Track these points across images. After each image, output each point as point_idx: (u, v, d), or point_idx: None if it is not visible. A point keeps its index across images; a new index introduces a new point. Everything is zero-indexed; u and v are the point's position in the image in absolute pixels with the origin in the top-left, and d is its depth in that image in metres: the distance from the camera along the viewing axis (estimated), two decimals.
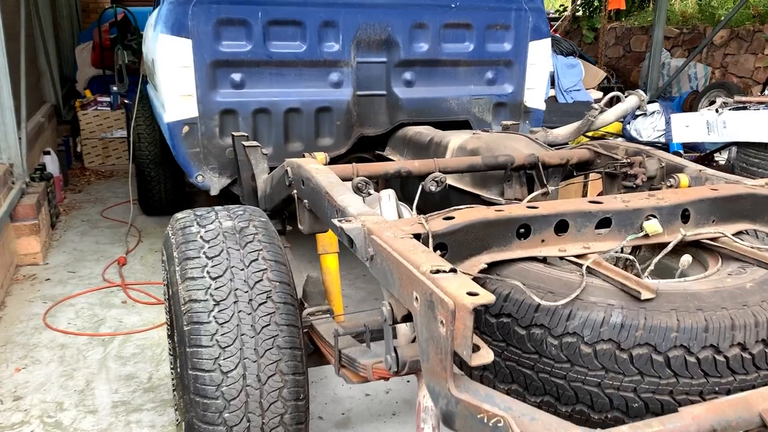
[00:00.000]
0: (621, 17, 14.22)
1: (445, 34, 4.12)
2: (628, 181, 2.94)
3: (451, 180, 3.44)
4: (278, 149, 3.90)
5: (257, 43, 3.76)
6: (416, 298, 1.54)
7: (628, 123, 5.99)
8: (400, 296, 1.65)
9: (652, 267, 2.05)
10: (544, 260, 2.01)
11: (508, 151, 3.27)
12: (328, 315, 2.64)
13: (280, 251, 2.39)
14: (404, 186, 3.81)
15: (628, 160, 2.93)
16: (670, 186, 2.69)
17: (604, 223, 2.06)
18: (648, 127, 5.89)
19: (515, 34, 4.25)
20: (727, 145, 5.37)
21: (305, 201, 2.56)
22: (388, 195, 2.58)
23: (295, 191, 2.70)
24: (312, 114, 3.94)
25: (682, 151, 5.33)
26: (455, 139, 3.54)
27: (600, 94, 8.50)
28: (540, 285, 1.82)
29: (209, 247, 2.30)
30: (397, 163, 2.98)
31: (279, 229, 3.37)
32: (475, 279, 1.75)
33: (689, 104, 9.51)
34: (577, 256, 1.97)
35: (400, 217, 2.72)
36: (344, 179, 2.80)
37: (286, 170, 2.76)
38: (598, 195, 3.60)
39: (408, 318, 1.74)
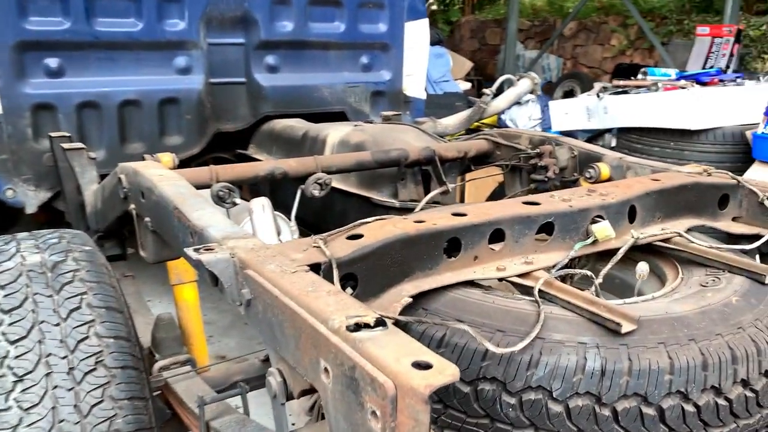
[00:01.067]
0: (475, 11, 14.40)
1: (312, 12, 3.56)
2: (538, 174, 2.56)
3: (334, 181, 2.90)
4: (113, 152, 3.14)
5: (78, 19, 2.98)
6: (325, 369, 1.00)
7: (504, 112, 5.80)
8: (298, 363, 1.09)
9: (600, 280, 1.63)
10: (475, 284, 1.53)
11: (398, 145, 2.78)
12: (188, 367, 2.00)
13: (113, 292, 1.73)
14: (275, 191, 3.22)
15: (537, 150, 2.54)
16: (591, 178, 2.33)
17: (545, 228, 1.62)
18: (523, 116, 5.72)
19: (390, 13, 3.78)
20: (604, 132, 5.28)
21: (147, 219, 1.91)
22: (262, 205, 2.00)
23: (132, 206, 2.03)
24: (154, 107, 3.22)
25: None
26: (335, 132, 3.00)
27: (468, 84, 8.34)
28: (484, 321, 1.34)
29: (4, 296, 1.59)
30: (268, 163, 2.39)
31: (117, 254, 2.66)
32: (396, 322, 1.23)
33: (545, 94, 9.65)
34: (521, 275, 1.51)
35: (279, 233, 2.14)
36: (200, 187, 2.17)
37: (119, 178, 2.08)
38: (497, 192, 3.24)
39: (309, 391, 1.19)
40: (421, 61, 4.01)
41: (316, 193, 2.35)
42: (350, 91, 3.79)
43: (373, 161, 2.57)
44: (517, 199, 1.68)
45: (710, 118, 3.97)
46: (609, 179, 2.34)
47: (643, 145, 4.26)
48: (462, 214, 1.54)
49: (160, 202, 1.75)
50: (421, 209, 2.67)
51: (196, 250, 1.34)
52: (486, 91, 3.21)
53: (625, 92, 4.40)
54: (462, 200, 3.46)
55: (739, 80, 4.37)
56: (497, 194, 3.17)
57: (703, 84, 4.22)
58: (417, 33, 3.93)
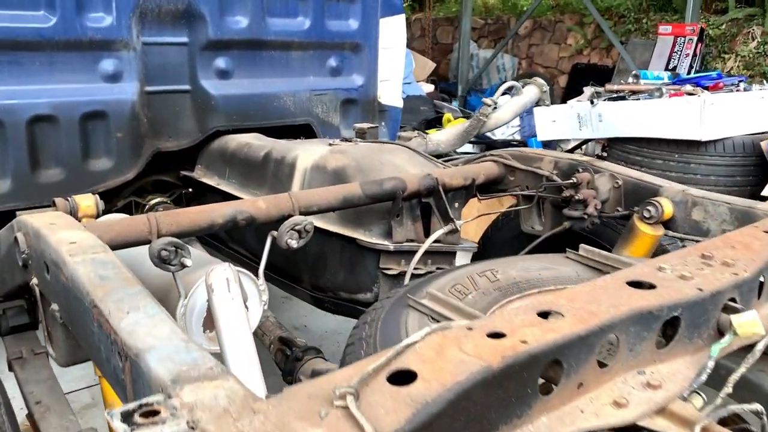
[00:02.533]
0: (424, 9, 13.91)
1: (270, 6, 2.95)
2: (572, 208, 2.03)
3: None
4: (21, 182, 2.46)
5: None
6: None
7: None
8: None
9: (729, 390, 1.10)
10: None
11: (389, 171, 2.21)
12: None
13: None
14: (233, 233, 2.61)
15: (572, 180, 2.01)
16: (651, 218, 1.82)
17: (670, 325, 1.09)
18: None
19: (362, 8, 3.21)
20: (587, 141, 4.84)
21: (54, 307, 1.28)
22: (226, 279, 1.40)
23: (35, 280, 1.40)
24: (75, 123, 2.55)
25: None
26: (306, 154, 2.41)
27: (432, 87, 7.82)
28: None
29: None
30: (228, 205, 1.78)
31: (24, 324, 2.00)
32: None
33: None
34: (656, 414, 0.97)
35: (245, 301, 1.55)
36: (137, 243, 1.56)
37: (16, 238, 1.44)
38: (501, 225, 2.70)
39: None
40: (397, 63, 3.45)
41: (294, 243, 1.77)
42: (317, 99, 3.20)
43: (364, 196, 1.99)
44: (616, 277, 1.13)
45: (721, 127, 3.56)
46: (672, 219, 1.84)
47: (643, 157, 3.82)
48: (548, 312, 0.99)
49: (72, 290, 1.14)
50: (424, 255, 2.12)
51: (126, 418, 0.74)
52: (487, 101, 2.67)
53: (622, 98, 3.96)
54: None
55: (742, 84, 3.99)
56: (501, 228, 2.64)
57: (705, 89, 3.82)
58: (393, 31, 3.37)
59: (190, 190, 3.21)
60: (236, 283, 1.38)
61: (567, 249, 1.65)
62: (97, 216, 1.70)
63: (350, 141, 2.56)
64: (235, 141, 2.85)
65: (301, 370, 2.04)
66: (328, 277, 2.31)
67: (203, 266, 1.69)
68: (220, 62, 2.90)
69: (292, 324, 3.62)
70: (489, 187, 2.35)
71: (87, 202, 1.67)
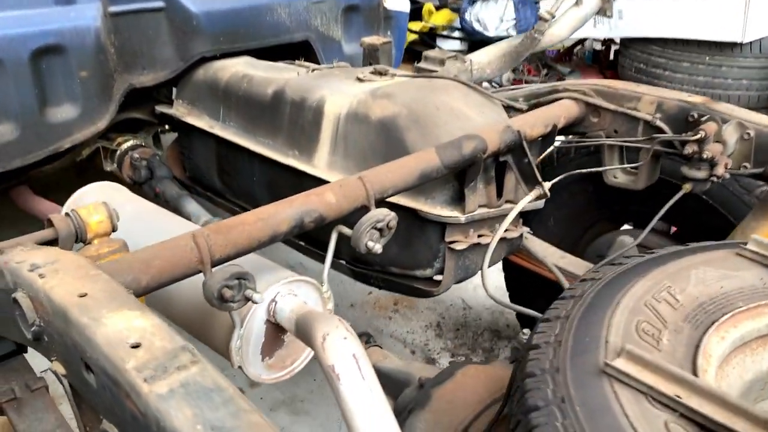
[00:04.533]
0: None
1: None
2: (694, 168, 1.67)
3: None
4: None
5: None
6: None
7: (466, 10, 4.64)
8: None
9: None
10: None
11: (447, 119, 1.77)
12: None
13: None
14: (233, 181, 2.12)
15: (699, 135, 1.63)
16: None
17: None
18: (493, 16, 4.57)
19: None
20: (582, 42, 4.40)
21: (105, 428, 0.86)
22: (353, 356, 1.00)
23: (59, 368, 0.96)
24: (24, 63, 1.94)
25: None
26: (335, 95, 1.92)
27: None
28: None
29: None
30: (291, 206, 1.32)
31: (11, 351, 1.55)
32: None
33: None
34: None
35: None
36: (183, 278, 1.14)
37: (15, 300, 0.98)
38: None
39: None
40: None
41: (377, 246, 1.36)
42: (315, 8, 2.62)
43: (443, 167, 1.56)
44: None
45: (763, 25, 3.19)
46: None
47: (667, 60, 3.44)
48: None
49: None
50: (489, 219, 1.74)
51: None
52: (543, 14, 2.19)
53: None
54: None
55: None
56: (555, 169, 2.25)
57: None
58: None
59: (167, 127, 2.66)
60: (366, 359, 0.97)
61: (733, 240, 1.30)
62: (114, 229, 1.22)
63: (382, 71, 2.06)
64: (228, 71, 2.29)
65: None
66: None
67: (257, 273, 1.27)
68: None
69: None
70: (564, 131, 1.95)
71: (97, 216, 1.17)
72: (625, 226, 2.36)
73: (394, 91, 1.86)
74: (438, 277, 1.85)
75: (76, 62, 2.03)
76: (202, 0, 2.30)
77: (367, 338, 1.89)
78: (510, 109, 2.05)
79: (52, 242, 1.15)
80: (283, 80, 2.10)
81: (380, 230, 1.36)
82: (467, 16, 4.59)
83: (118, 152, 2.50)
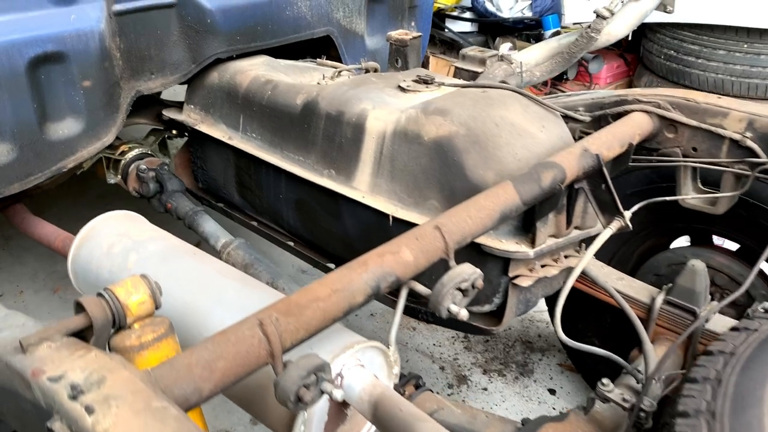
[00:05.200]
0: None
1: None
2: None
3: (396, 210, 1.64)
4: None
5: None
6: None
7: None
8: None
9: None
10: None
11: (508, 138, 1.57)
12: None
13: None
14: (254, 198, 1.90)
15: None
16: None
17: None
18: None
19: None
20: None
21: None
22: None
23: None
24: (21, 74, 1.68)
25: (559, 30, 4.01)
26: (378, 110, 1.70)
27: None
28: None
29: None
30: (365, 271, 1.11)
31: None
32: None
33: None
34: None
35: None
36: (250, 374, 0.93)
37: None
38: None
39: None
40: None
41: (460, 311, 1.16)
42: (338, 0, 2.37)
43: (523, 204, 1.35)
44: None
45: None
46: None
47: (701, 47, 3.23)
48: None
49: None
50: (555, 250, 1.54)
51: None
52: (601, 11, 1.97)
53: None
54: None
55: None
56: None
57: None
58: None
59: (174, 132, 2.41)
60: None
61: None
62: (157, 307, 1.00)
63: (427, 79, 1.83)
64: (247, 75, 2.05)
65: None
66: (427, 284, 1.71)
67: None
68: None
69: None
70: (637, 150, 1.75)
71: (137, 296, 0.95)
72: (678, 241, 2.19)
73: (448, 107, 1.64)
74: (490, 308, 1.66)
75: (78, 71, 1.77)
76: None
77: (416, 382, 1.70)
78: (568, 120, 1.84)
79: (86, 330, 0.93)
80: (314, 89, 1.86)
81: (465, 291, 1.17)
82: None
83: (122, 162, 2.26)
